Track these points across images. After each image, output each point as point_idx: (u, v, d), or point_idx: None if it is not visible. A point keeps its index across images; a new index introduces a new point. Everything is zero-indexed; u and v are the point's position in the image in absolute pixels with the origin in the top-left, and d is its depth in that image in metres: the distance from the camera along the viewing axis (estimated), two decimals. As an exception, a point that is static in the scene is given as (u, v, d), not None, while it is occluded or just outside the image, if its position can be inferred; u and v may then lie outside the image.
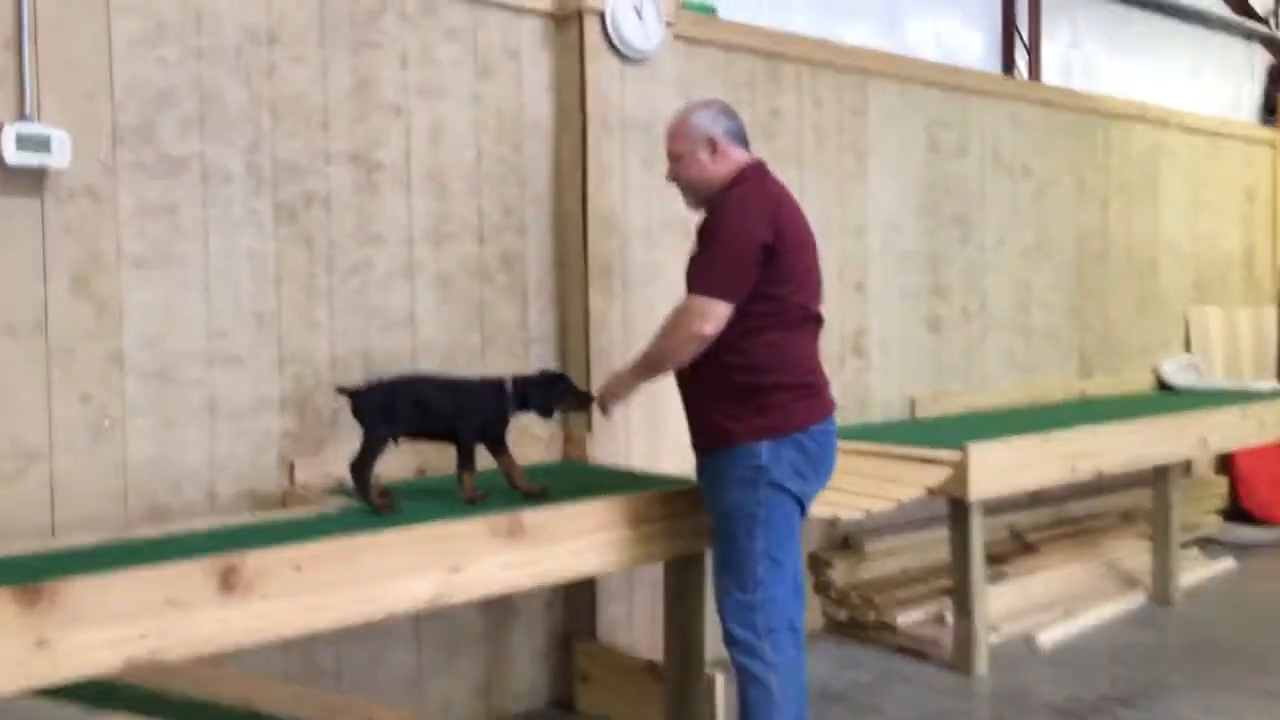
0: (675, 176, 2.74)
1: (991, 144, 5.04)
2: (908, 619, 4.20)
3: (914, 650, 4.06)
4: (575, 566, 2.67)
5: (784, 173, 4.19)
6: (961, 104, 4.90)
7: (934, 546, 4.58)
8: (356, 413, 2.60)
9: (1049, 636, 4.20)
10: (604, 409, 2.84)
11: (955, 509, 3.83)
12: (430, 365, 3.22)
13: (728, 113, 2.73)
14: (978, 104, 4.96)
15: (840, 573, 4.30)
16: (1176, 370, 5.99)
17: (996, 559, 4.66)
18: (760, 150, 4.21)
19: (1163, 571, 4.71)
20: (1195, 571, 5.07)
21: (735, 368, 2.56)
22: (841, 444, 3.99)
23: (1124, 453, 4.28)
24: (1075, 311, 5.47)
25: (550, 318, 3.54)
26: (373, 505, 2.55)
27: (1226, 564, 5.31)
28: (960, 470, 3.67)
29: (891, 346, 4.61)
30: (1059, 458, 4.01)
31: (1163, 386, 5.95)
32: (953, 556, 3.87)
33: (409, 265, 3.22)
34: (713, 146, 2.64)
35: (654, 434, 3.63)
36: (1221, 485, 6.16)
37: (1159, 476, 4.71)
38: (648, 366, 2.71)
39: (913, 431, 4.24)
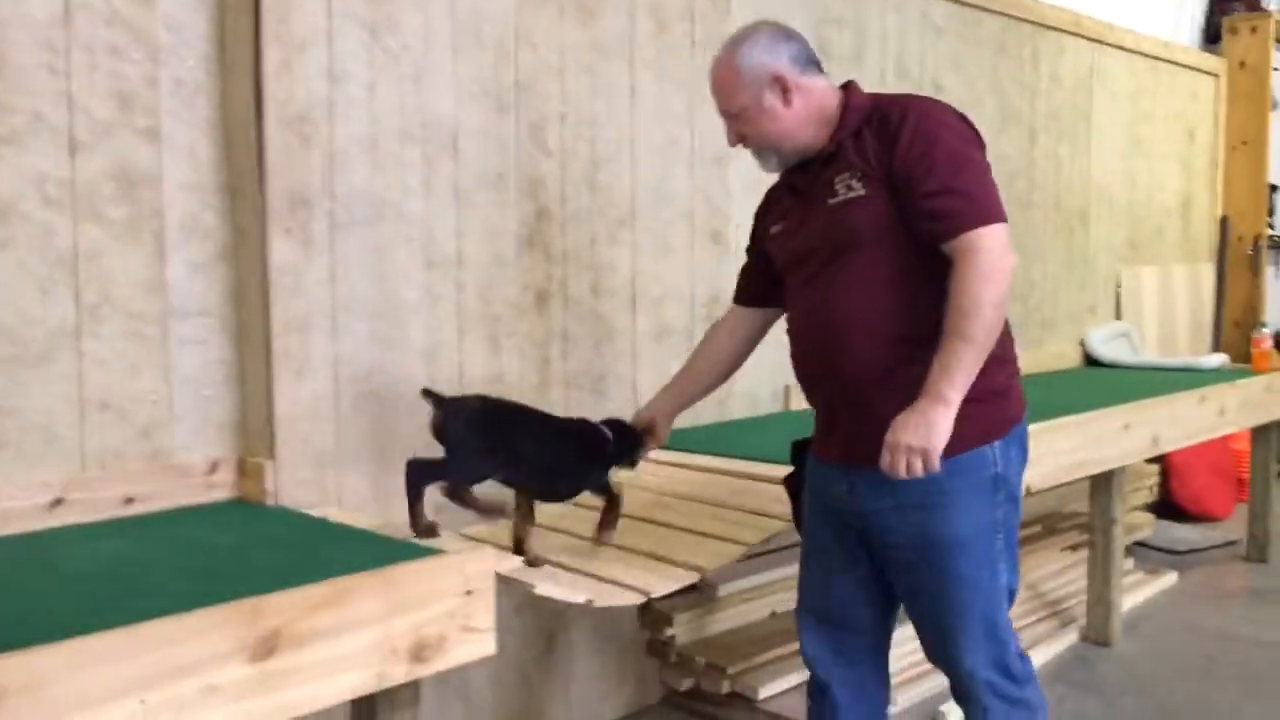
0: (743, 137, 2.08)
1: (895, 52, 3.88)
2: (773, 689, 3.08)
3: (781, 736, 2.95)
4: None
5: (607, 71, 2.97)
6: (857, -5, 3.72)
7: (812, 581, 3.47)
8: (443, 430, 2.06)
9: (955, 707, 3.13)
10: (923, 467, 1.83)
11: (838, 553, 2.69)
12: (-28, 356, 1.93)
13: (784, 34, 2.05)
14: (879, -3, 3.79)
15: (684, 628, 3.14)
16: (1105, 341, 4.99)
17: (893, 593, 3.57)
18: (574, 38, 3.00)
19: (1101, 602, 3.69)
20: (1134, 593, 4.08)
21: None
22: (684, 458, 2.88)
23: (1059, 461, 3.21)
24: (993, 270, 4.38)
25: (210, 277, 2.25)
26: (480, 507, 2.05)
27: (1168, 580, 4.35)
28: (845, 500, 2.54)
29: (760, 316, 3.44)
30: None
31: (1090, 360, 4.95)
32: (834, 619, 2.75)
33: (-85, 185, 1.90)
34: (782, 85, 1.99)
35: (380, 459, 2.40)
36: (1152, 474, 5.20)
37: (1099, 485, 3.67)
38: (974, 353, 1.84)
39: (783, 435, 3.08)
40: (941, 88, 4.06)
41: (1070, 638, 3.70)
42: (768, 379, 3.46)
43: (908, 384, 1.88)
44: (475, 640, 1.81)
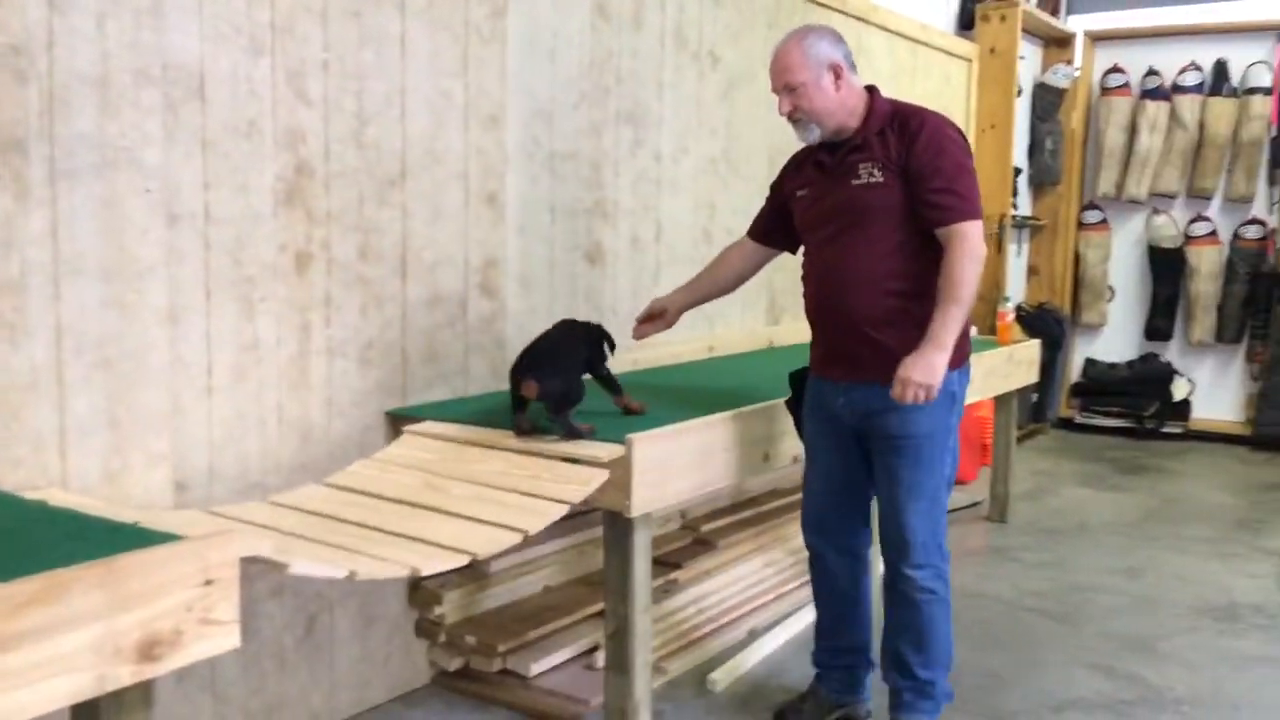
0: (796, 107, 2.59)
1: (674, 19, 3.85)
2: (545, 665, 3.03)
3: (552, 713, 2.89)
4: None
5: (374, 17, 2.77)
6: (637, -42, 3.65)
7: (586, 552, 3.44)
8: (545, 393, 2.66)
9: (727, 675, 3.19)
10: (925, 397, 2.46)
11: (613, 526, 2.66)
12: None
13: (841, 38, 2.65)
14: (658, -39, 3.74)
15: (453, 606, 3.04)
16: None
17: (666, 562, 3.58)
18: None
19: (859, 566, 3.84)
20: (889, 555, 4.27)
21: (930, 297, 2.51)
22: (455, 431, 2.77)
23: (826, 428, 3.30)
24: (764, 242, 4.45)
25: (-99, 228, 1.96)
26: (581, 433, 2.63)
27: (919, 541, 4.58)
28: (621, 473, 2.50)
29: (536, 284, 3.35)
30: (750, 444, 2.94)
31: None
32: (607, 592, 2.71)
33: None
34: (837, 73, 2.57)
35: (114, 435, 2.17)
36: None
37: (861, 452, 3.81)
38: (962, 314, 2.49)
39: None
40: (719, 58, 4.08)
41: (832, 599, 3.83)
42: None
43: (898, 324, 2.53)
44: (217, 634, 1.65)
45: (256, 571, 2.41)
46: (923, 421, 2.57)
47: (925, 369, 2.41)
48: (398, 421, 2.86)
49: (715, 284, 3.06)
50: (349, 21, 2.69)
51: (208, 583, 1.63)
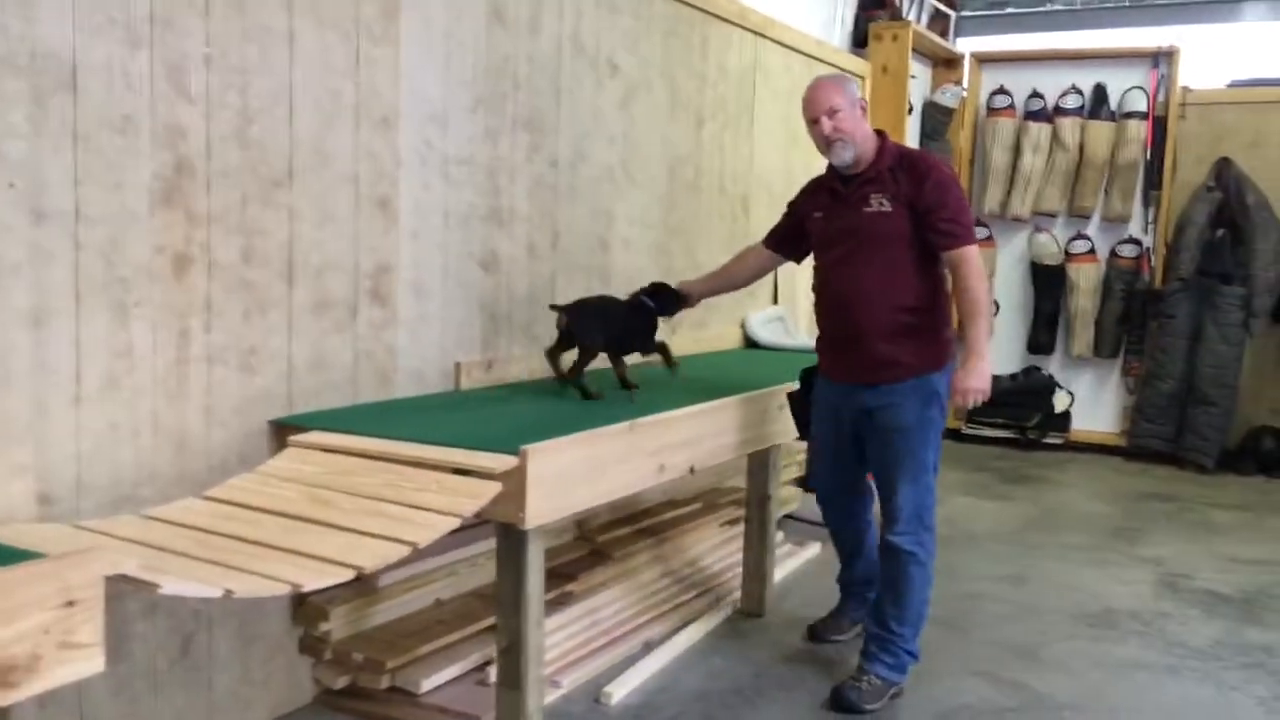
0: (837, 128, 3.02)
1: (572, 25, 3.82)
2: (435, 681, 2.95)
3: (442, 731, 2.82)
4: None
5: (258, 11, 2.65)
6: (535, -38, 3.61)
7: (479, 565, 3.37)
8: (572, 327, 3.22)
9: (621, 687, 3.15)
10: (970, 403, 3.06)
11: (506, 539, 2.60)
12: None
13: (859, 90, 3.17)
14: (556, -33, 3.71)
15: (341, 622, 2.94)
16: (763, 324, 5.23)
17: (560, 574, 3.53)
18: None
19: (756, 576, 3.85)
20: (783, 564, 4.30)
21: (924, 311, 3.09)
22: (342, 442, 2.67)
23: (721, 440, 3.30)
24: (661, 251, 4.45)
25: None
26: (591, 395, 3.16)
27: (813, 550, 4.63)
28: (514, 484, 2.45)
29: (429, 291, 3.27)
30: (645, 455, 2.92)
31: (749, 342, 5.17)
32: (499, 606, 2.65)
33: None
34: (863, 108, 3.10)
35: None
36: (800, 450, 5.50)
37: (757, 462, 3.82)
38: (988, 323, 3.01)
39: (450, 417, 2.95)
40: (617, 67, 4.06)
41: (726, 611, 3.83)
42: (437, 357, 3.31)
43: (899, 334, 3.05)
44: (78, 658, 1.55)
45: (126, 590, 2.29)
46: (907, 416, 3.08)
47: (978, 377, 2.99)
48: (283, 431, 2.75)
49: (731, 279, 3.65)
50: (232, 15, 2.59)
51: (69, 604, 1.53)
